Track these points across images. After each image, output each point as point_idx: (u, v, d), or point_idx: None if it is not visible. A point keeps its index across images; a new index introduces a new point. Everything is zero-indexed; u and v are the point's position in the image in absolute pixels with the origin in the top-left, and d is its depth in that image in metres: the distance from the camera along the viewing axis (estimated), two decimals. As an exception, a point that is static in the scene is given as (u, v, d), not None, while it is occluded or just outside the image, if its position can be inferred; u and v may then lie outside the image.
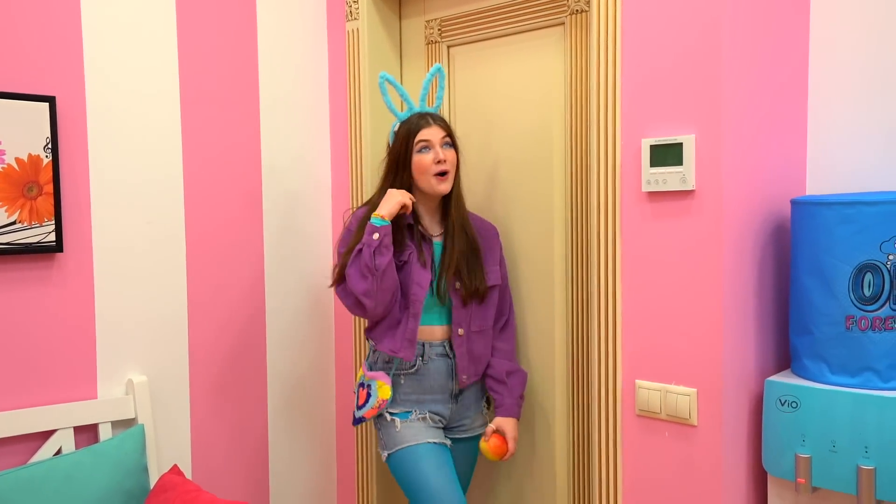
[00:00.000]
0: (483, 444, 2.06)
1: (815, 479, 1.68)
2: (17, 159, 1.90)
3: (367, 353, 2.16)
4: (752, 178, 1.81)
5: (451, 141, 2.05)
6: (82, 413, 2.03)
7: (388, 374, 2.03)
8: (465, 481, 2.20)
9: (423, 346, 2.04)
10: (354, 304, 1.97)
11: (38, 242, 1.94)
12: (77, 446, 2.01)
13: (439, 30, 2.42)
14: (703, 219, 1.73)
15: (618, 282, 1.87)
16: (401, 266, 2.01)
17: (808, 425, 1.69)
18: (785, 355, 1.95)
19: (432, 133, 2.01)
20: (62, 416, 1.99)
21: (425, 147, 2.01)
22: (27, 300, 1.96)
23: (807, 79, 1.99)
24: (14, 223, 1.90)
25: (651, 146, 1.79)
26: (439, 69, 2.11)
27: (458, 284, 2.03)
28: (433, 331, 2.06)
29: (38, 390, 1.98)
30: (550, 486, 2.24)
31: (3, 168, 1.88)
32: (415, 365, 2.04)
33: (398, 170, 2.04)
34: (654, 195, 1.81)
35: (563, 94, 2.14)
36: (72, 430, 2.00)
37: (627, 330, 1.87)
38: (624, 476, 1.90)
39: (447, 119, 2.41)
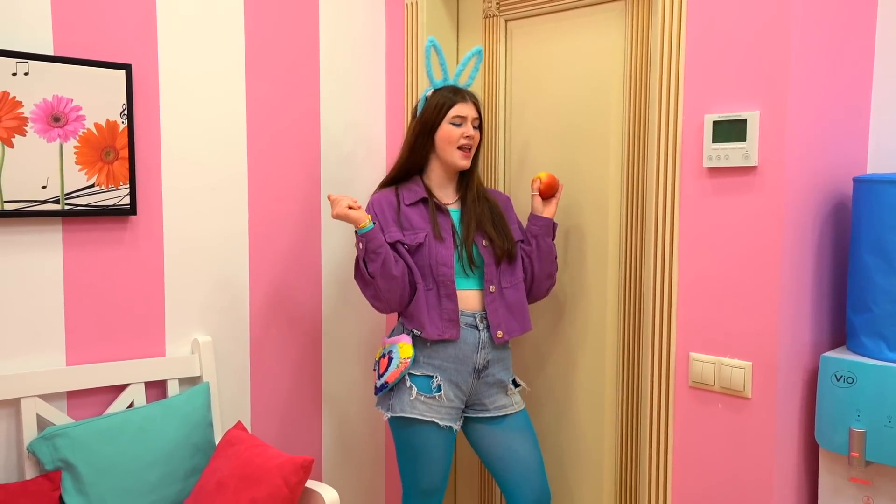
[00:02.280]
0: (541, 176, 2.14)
1: (870, 454, 1.70)
2: (95, 124, 1.98)
3: (391, 330, 2.16)
4: (814, 155, 1.82)
5: (480, 124, 2.12)
6: (152, 369, 2.12)
7: (409, 335, 2.06)
8: (532, 458, 2.11)
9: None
10: (367, 296, 2.08)
11: (113, 205, 2.02)
12: (147, 400, 2.11)
13: (498, 4, 2.44)
14: (765, 195, 1.75)
15: (675, 255, 1.90)
16: (416, 248, 2.04)
17: (863, 400, 1.72)
18: (839, 332, 1.97)
19: (467, 110, 2.08)
20: (134, 372, 2.09)
21: (458, 122, 2.06)
22: (103, 260, 2.05)
23: (872, 57, 1.98)
24: (93, 186, 1.98)
25: (714, 122, 1.80)
26: (479, 51, 2.17)
27: (485, 242, 2.08)
28: (466, 297, 2.07)
29: (112, 346, 2.08)
30: (598, 455, 2.29)
31: (83, 132, 1.96)
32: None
33: (424, 135, 2.09)
34: (714, 171, 1.83)
35: (623, 68, 2.15)
36: (143, 386, 2.10)
37: (683, 303, 1.90)
38: (674, 446, 1.94)
39: (504, 90, 2.45)
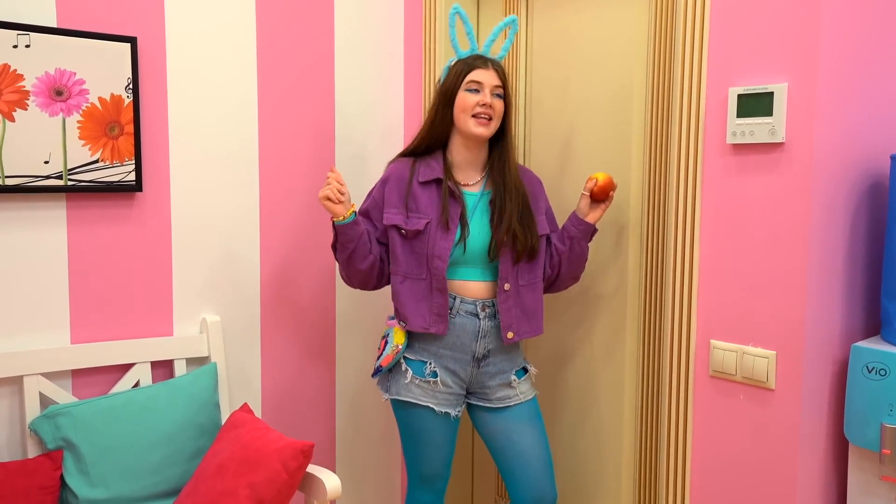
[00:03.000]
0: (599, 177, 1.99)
1: (901, 451, 1.60)
2: (100, 98, 1.94)
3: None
4: (847, 131, 1.69)
5: (504, 92, 1.97)
6: (159, 349, 2.09)
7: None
8: (534, 453, 2.00)
9: (455, 299, 1.95)
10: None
11: (118, 181, 1.99)
12: (154, 380, 2.09)
13: (519, -26, 2.34)
14: (792, 173, 1.64)
15: (696, 237, 1.80)
16: (415, 234, 1.95)
17: (896, 395, 1.60)
18: (873, 321, 1.85)
19: (486, 76, 1.94)
20: (140, 351, 2.06)
21: (475, 88, 1.94)
22: (108, 238, 2.02)
23: (916, 25, 1.84)
24: (97, 161, 1.95)
25: (739, 95, 1.69)
26: (514, 20, 2.05)
27: (507, 237, 1.94)
28: (469, 286, 1.97)
29: (118, 325, 2.06)
30: (617, 444, 2.21)
31: (87, 107, 1.92)
32: None
33: (443, 106, 1.98)
34: (739, 147, 1.72)
35: (646, 41, 2.04)
36: (149, 365, 2.07)
37: (704, 288, 1.80)
38: (694, 437, 1.84)
39: (525, 63, 2.35)
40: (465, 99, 1.94)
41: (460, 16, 2.03)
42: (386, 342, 2.02)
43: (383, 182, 2.04)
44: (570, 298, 2.28)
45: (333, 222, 1.94)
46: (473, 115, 1.93)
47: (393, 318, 2.04)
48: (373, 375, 2.06)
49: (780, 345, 1.69)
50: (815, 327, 1.67)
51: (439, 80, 2.04)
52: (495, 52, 2.06)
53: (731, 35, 1.71)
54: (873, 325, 1.85)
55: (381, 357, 2.01)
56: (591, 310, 2.23)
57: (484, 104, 1.93)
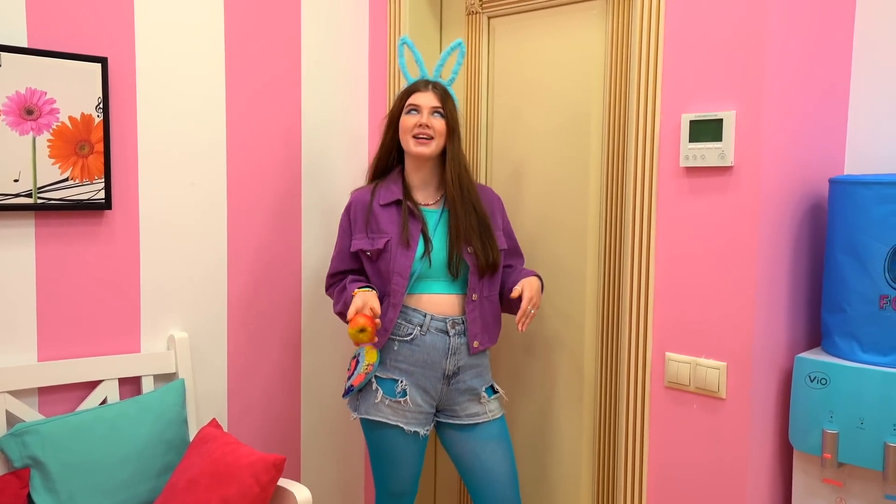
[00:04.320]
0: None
1: (842, 455, 1.71)
2: (70, 118, 1.95)
3: None
4: (790, 156, 1.81)
5: (443, 111, 2.04)
6: (126, 366, 2.10)
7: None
8: (501, 470, 2.05)
9: (426, 316, 2.00)
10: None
11: (88, 199, 2.00)
12: (121, 397, 2.09)
13: (480, 0, 2.43)
14: (741, 195, 1.75)
15: (651, 254, 1.90)
16: (378, 254, 2.01)
17: (836, 402, 1.72)
18: (815, 333, 1.97)
19: (424, 98, 2.04)
20: (108, 368, 2.07)
21: (413, 110, 2.04)
22: (77, 255, 2.03)
23: (850, 59, 1.98)
24: (66, 180, 1.96)
25: (691, 121, 1.80)
26: (460, 44, 2.13)
27: (469, 250, 2.01)
28: (438, 301, 2.02)
29: (85, 342, 2.06)
30: (575, 455, 2.29)
31: (57, 126, 1.94)
32: (412, 333, 2.00)
33: (390, 129, 2.10)
34: (691, 170, 1.82)
35: (603, 67, 2.15)
36: (116, 382, 2.08)
37: (659, 302, 1.90)
38: (650, 446, 1.93)
39: (486, 87, 2.44)
40: (405, 121, 2.04)
41: (408, 45, 2.13)
42: (357, 361, 2.06)
43: (347, 210, 2.11)
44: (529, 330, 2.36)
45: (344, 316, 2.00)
46: (413, 136, 2.02)
47: None
48: (344, 395, 2.09)
49: (731, 356, 1.79)
50: (762, 339, 1.78)
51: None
52: (446, 76, 2.14)
53: (684, 65, 1.82)
54: (815, 337, 1.97)
55: (353, 377, 2.04)
56: (552, 324, 2.32)
57: (421, 124, 2.02)
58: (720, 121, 1.75)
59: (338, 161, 2.58)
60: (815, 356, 1.79)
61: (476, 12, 2.45)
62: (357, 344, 1.93)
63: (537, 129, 2.32)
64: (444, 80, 2.11)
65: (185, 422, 2.11)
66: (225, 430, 2.33)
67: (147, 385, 2.13)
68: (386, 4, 2.54)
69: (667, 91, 1.85)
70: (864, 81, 1.97)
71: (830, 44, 1.92)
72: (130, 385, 2.13)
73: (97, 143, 2.00)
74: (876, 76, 1.95)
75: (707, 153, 1.78)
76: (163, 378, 2.18)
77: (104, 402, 2.06)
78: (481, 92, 2.45)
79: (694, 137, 1.80)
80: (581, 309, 2.24)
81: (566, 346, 2.29)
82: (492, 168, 2.45)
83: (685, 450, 1.88)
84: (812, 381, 1.76)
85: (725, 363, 1.80)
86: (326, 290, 2.19)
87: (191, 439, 2.12)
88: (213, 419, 2.10)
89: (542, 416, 2.36)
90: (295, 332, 2.51)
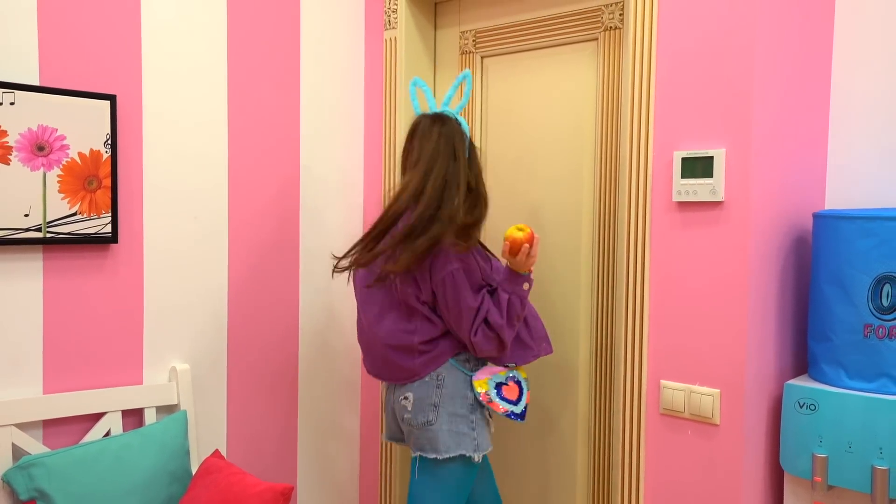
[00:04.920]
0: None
1: (831, 478, 1.77)
2: (79, 153, 2.00)
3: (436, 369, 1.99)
4: (777, 191, 1.91)
5: None
6: (130, 397, 2.12)
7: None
8: (491, 494, 2.19)
9: None
10: (497, 346, 1.96)
11: (95, 233, 2.04)
12: (124, 429, 2.11)
13: (474, 40, 2.52)
14: (731, 228, 1.83)
15: (646, 286, 1.97)
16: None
17: (825, 427, 1.79)
18: (802, 360, 2.05)
19: None
20: (111, 400, 2.09)
21: None
22: (83, 288, 2.06)
23: (828, 100, 2.09)
24: (75, 214, 2.00)
25: (683, 158, 1.89)
26: (467, 75, 2.14)
27: None
28: None
29: (89, 374, 2.08)
30: (571, 481, 2.33)
31: (67, 161, 1.98)
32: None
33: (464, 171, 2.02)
34: (684, 205, 1.91)
35: (594, 106, 2.24)
36: (120, 414, 2.10)
37: (654, 332, 1.97)
38: (646, 472, 1.99)
39: (480, 125, 2.52)
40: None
41: (420, 86, 2.14)
42: (517, 382, 2.01)
43: (467, 259, 1.98)
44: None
45: (525, 274, 1.97)
46: None
47: (481, 369, 2.00)
48: (522, 419, 2.01)
49: (724, 383, 1.86)
50: (753, 367, 1.86)
51: (456, 146, 2.00)
52: (454, 106, 2.20)
53: (675, 106, 1.91)
54: (802, 365, 2.05)
55: (523, 396, 2.01)
56: (547, 356, 2.37)
57: None
58: (711, 158, 1.84)
59: (334, 200, 2.64)
60: (804, 383, 1.87)
61: (470, 52, 2.54)
62: (510, 237, 1.92)
63: (531, 166, 2.40)
64: (451, 111, 2.09)
65: (188, 453, 2.13)
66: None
67: (149, 417, 2.15)
68: (382, 45, 2.62)
69: (659, 130, 1.94)
70: (841, 121, 2.08)
71: (811, 86, 2.03)
72: (133, 417, 2.14)
73: (105, 179, 2.05)
74: (851, 117, 2.06)
75: (699, 189, 1.87)
76: (165, 409, 2.20)
77: (108, 433, 2.07)
78: (474, 130, 2.53)
79: (686, 174, 1.89)
80: (576, 338, 2.31)
81: (562, 374, 2.34)
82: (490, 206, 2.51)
83: (680, 475, 1.93)
84: (801, 407, 1.84)
85: (719, 390, 1.87)
86: (481, 327, 1.95)
87: (193, 470, 2.14)
88: (216, 450, 2.12)
89: (536, 443, 2.41)
90: (292, 364, 2.54)
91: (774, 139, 1.88)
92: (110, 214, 2.06)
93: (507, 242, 1.96)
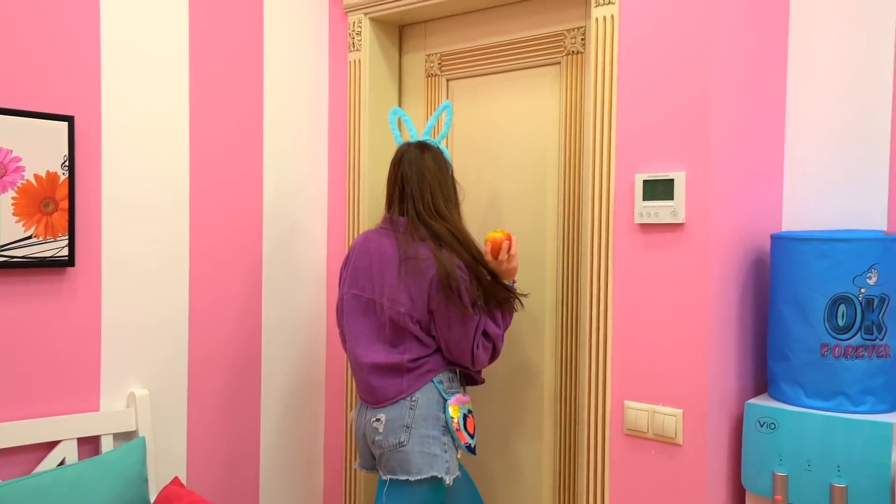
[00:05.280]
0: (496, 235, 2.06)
1: (791, 497, 1.80)
2: (35, 175, 1.96)
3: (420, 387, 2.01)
4: (735, 213, 1.94)
5: None
6: (85, 425, 2.07)
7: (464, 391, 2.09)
8: None
9: None
10: (492, 356, 2.06)
11: (51, 256, 1.99)
12: (79, 457, 2.05)
13: (440, 63, 2.54)
14: (692, 250, 1.86)
15: (609, 307, 1.99)
16: None
17: (784, 445, 1.82)
18: (762, 380, 2.08)
19: None
20: (66, 428, 2.03)
21: None
22: (38, 313, 2.00)
23: (784, 124, 2.14)
24: (30, 237, 1.95)
25: (644, 181, 1.92)
26: (448, 106, 2.21)
27: None
28: None
29: (43, 401, 2.02)
30: (537, 499, 2.33)
31: (22, 184, 1.93)
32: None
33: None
34: (645, 227, 1.93)
35: (558, 129, 2.27)
36: (75, 442, 2.04)
37: (617, 353, 1.99)
38: (611, 493, 2.00)
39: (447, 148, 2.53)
40: None
41: (400, 115, 2.20)
42: (474, 419, 2.06)
43: None
44: (492, 368, 2.42)
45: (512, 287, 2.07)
46: None
47: (453, 395, 2.02)
48: (474, 453, 2.05)
49: (686, 403, 1.88)
50: (715, 387, 1.88)
51: (444, 165, 2.10)
52: (435, 135, 2.23)
53: (636, 129, 1.94)
54: (762, 384, 2.08)
55: (476, 433, 2.06)
56: (512, 375, 2.38)
57: None
58: (671, 180, 1.87)
59: (300, 220, 2.62)
60: (764, 402, 1.89)
61: (435, 75, 2.55)
62: (491, 239, 2.03)
63: (495, 188, 2.41)
64: (433, 140, 2.15)
65: (146, 481, 2.08)
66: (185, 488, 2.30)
67: (106, 444, 2.09)
68: (346, 69, 2.62)
69: (621, 152, 1.97)
70: (796, 145, 2.13)
71: (767, 111, 2.07)
72: (90, 445, 2.09)
73: (62, 201, 2.01)
74: (806, 140, 2.11)
75: (660, 210, 1.89)
76: (123, 437, 2.15)
77: (62, 463, 2.01)
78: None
79: (647, 196, 1.91)
80: (541, 360, 2.31)
81: (527, 395, 2.34)
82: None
83: (645, 495, 1.94)
84: (761, 426, 1.86)
85: (682, 410, 1.88)
86: (481, 340, 2.02)
87: (151, 499, 2.09)
88: (176, 478, 2.07)
89: (503, 462, 2.40)
90: (255, 389, 2.51)
91: (733, 162, 1.92)
92: (67, 237, 2.02)
93: (488, 244, 2.05)
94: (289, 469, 2.61)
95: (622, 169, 1.97)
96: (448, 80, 2.53)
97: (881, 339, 1.79)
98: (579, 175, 2.21)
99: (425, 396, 1.97)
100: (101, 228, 2.11)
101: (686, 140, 1.87)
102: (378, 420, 1.98)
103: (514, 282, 2.09)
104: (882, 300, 1.78)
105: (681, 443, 1.89)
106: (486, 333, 2.00)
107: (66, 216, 2.01)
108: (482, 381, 2.15)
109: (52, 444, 2.02)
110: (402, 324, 1.96)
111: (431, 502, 1.98)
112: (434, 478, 1.94)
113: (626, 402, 1.97)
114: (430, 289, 1.95)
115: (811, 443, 1.79)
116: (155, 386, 2.24)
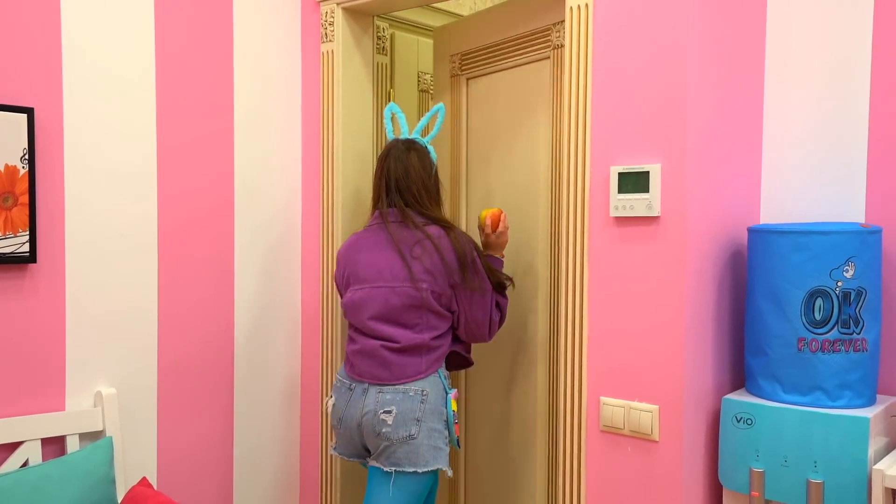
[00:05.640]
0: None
1: (768, 493, 1.78)
2: (-7, 169, 1.90)
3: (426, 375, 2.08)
4: (712, 206, 1.91)
5: None
6: (50, 425, 2.01)
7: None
8: None
9: None
10: (498, 326, 2.18)
11: (11, 253, 1.94)
12: (44, 458, 2.00)
13: (460, 64, 2.56)
14: (667, 244, 1.83)
15: (585, 302, 1.96)
16: None
17: (761, 441, 1.79)
18: (740, 375, 2.06)
19: None
20: (29, 428, 1.98)
21: None
22: (-2, 310, 1.95)
23: (762, 116, 2.12)
24: (-11, 233, 1.90)
25: (619, 173, 1.88)
26: (441, 108, 2.24)
27: None
28: None
29: (5, 402, 1.97)
30: (530, 495, 2.31)
31: (-21, 178, 1.88)
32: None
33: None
34: (621, 220, 1.90)
35: (548, 123, 2.25)
36: (39, 442, 1.99)
37: (593, 348, 1.96)
38: (587, 489, 1.97)
39: (464, 141, 2.58)
40: None
41: (395, 112, 2.23)
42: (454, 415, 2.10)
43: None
44: (486, 364, 2.40)
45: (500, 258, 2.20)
46: None
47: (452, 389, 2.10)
48: (459, 447, 2.12)
49: (662, 399, 1.85)
50: (691, 382, 1.85)
51: (429, 163, 2.18)
52: (425, 135, 2.23)
53: (611, 121, 1.91)
54: (739, 380, 2.06)
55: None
56: (506, 370, 2.36)
57: None
58: (647, 173, 1.84)
59: (272, 216, 2.57)
60: (741, 397, 1.87)
61: (457, 75, 2.57)
62: (489, 214, 2.17)
63: (502, 180, 2.41)
64: (422, 139, 2.20)
65: (113, 482, 2.03)
66: (155, 488, 2.25)
67: (72, 444, 2.04)
68: (319, 58, 2.57)
69: (596, 144, 1.93)
70: (774, 137, 2.10)
71: (744, 103, 2.04)
72: (54, 445, 2.04)
73: (22, 196, 1.95)
74: (784, 133, 2.08)
75: (635, 204, 1.86)
76: (89, 436, 2.10)
77: (25, 463, 1.96)
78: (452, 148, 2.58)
79: (623, 189, 1.88)
80: (533, 353, 2.31)
81: (519, 388, 2.33)
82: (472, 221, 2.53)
83: (621, 491, 1.92)
84: (738, 422, 1.84)
85: (658, 406, 1.86)
86: (501, 306, 2.18)
87: (119, 500, 2.04)
88: (144, 478, 2.03)
89: (500, 461, 2.38)
90: (227, 387, 2.46)
91: (709, 154, 1.89)
92: (28, 233, 1.96)
93: (487, 218, 2.18)
94: (263, 467, 2.57)
95: (597, 161, 1.93)
96: (467, 80, 2.55)
97: (858, 333, 1.77)
98: (559, 168, 2.18)
99: (434, 391, 2.03)
100: (64, 223, 2.06)
101: (662, 132, 1.83)
102: (388, 412, 2.00)
103: (502, 256, 2.22)
104: (859, 293, 1.76)
105: (657, 439, 1.86)
106: (497, 305, 2.14)
107: (26, 211, 1.95)
108: (472, 363, 2.23)
109: (14, 445, 1.97)
110: (424, 301, 2.02)
111: (426, 493, 2.07)
112: (435, 470, 2.02)
113: (602, 398, 1.94)
114: (451, 265, 2.04)
115: (788, 438, 1.76)
116: (123, 384, 2.19)
